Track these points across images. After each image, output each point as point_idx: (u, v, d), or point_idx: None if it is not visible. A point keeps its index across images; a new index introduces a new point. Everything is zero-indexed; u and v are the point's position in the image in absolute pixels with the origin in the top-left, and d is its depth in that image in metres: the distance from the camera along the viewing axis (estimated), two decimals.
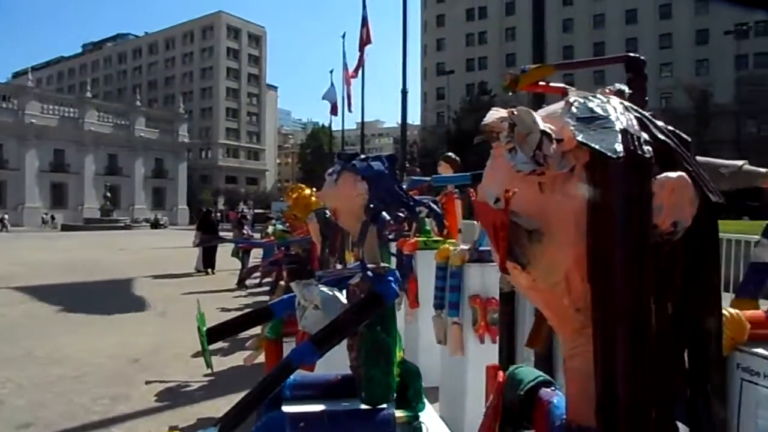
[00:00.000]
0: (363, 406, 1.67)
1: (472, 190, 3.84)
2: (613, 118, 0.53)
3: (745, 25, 44.52)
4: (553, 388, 0.65)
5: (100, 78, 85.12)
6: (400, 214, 1.64)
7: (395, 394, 1.70)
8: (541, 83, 2.84)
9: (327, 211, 2.97)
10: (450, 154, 5.41)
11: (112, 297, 10.18)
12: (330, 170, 1.75)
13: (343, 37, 29.45)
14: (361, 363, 1.66)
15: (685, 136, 0.55)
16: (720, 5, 44.87)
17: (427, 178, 3.55)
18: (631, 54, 2.44)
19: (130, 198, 52.76)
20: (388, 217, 1.63)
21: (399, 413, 1.68)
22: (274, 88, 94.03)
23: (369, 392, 1.66)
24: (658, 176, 0.50)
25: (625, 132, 0.52)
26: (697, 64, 52.25)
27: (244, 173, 77.60)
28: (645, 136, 0.53)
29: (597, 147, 0.50)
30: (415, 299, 4.93)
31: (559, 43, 54.12)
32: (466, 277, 3.75)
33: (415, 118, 67.51)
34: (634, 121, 0.54)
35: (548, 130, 0.50)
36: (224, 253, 15.24)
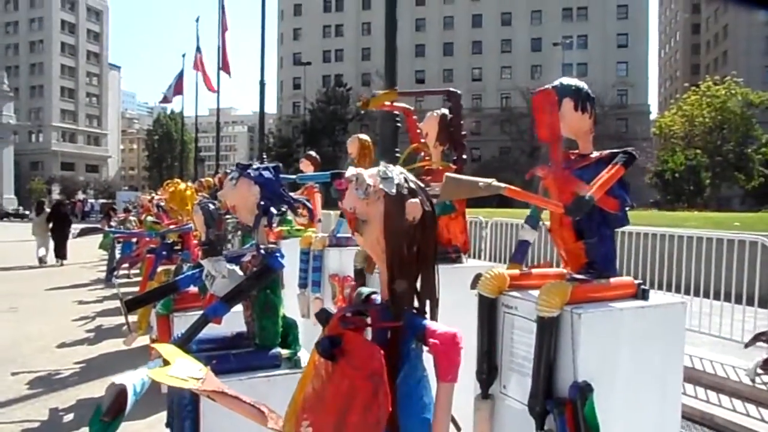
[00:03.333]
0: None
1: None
2: (394, 177, 1.26)
3: (570, 38, 50.51)
4: (376, 294, 1.39)
5: None
6: (283, 209, 2.29)
7: (279, 339, 2.35)
8: (387, 103, 3.63)
9: (210, 204, 3.49)
10: (311, 152, 6.08)
11: None
12: (230, 175, 2.32)
13: (197, 21, 28.77)
14: (255, 317, 2.29)
15: (421, 183, 1.30)
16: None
17: (293, 177, 4.18)
18: (451, 89, 3.31)
19: None
20: (275, 212, 2.26)
21: (283, 352, 2.33)
22: (117, 68, 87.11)
23: (262, 337, 2.29)
24: (408, 200, 1.25)
25: (398, 184, 1.27)
26: (532, 68, 57.92)
27: (83, 159, 71.12)
28: (406, 184, 1.27)
29: (386, 190, 1.24)
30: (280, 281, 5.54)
31: (411, 41, 56.98)
32: (326, 259, 4.46)
33: (270, 107, 66.87)
34: (403, 179, 1.29)
35: (370, 182, 1.23)
36: (73, 245, 14.57)
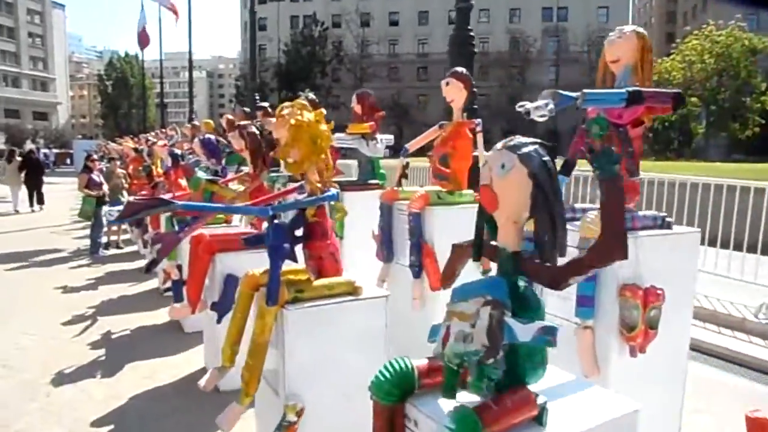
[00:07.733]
0: None
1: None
2: None
3: None
4: None
5: None
6: None
7: None
8: None
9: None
10: (459, 69, 3.86)
11: None
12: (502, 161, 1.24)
13: None
14: None
15: None
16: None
17: (575, 94, 2.04)
18: None
19: None
20: None
21: None
22: (61, 6, 79.18)
23: None
24: None
25: None
26: (511, 12, 54.87)
27: (29, 106, 64.88)
28: None
29: None
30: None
31: None
32: None
33: (230, 51, 62.14)
34: None
35: None
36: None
